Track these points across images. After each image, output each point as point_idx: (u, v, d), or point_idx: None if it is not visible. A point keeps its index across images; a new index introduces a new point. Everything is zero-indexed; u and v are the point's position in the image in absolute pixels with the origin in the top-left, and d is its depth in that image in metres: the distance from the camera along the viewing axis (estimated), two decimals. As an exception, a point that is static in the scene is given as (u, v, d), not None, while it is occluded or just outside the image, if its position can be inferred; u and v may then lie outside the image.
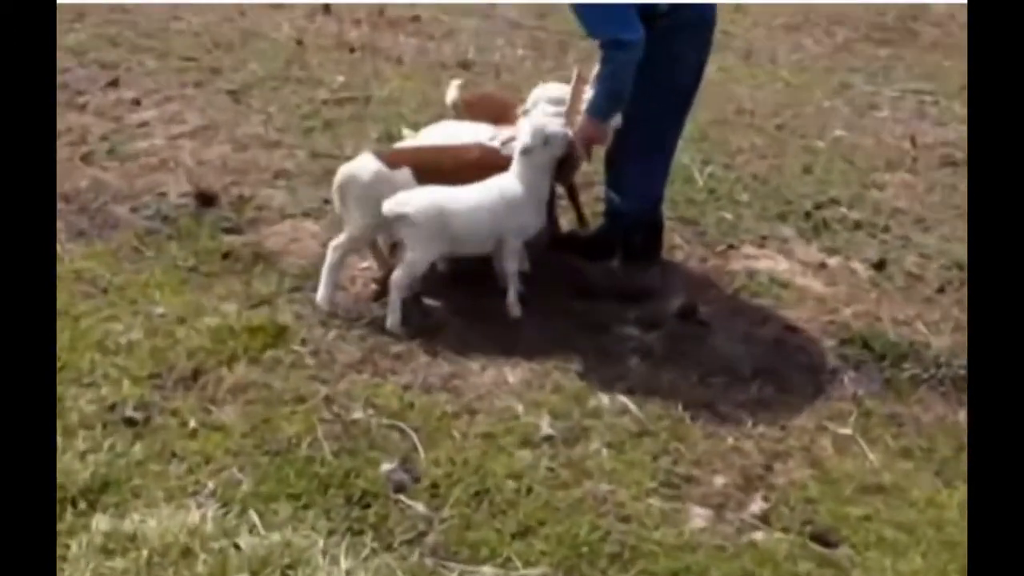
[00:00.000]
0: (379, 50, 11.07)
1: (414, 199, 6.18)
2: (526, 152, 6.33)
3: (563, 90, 6.73)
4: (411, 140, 6.98)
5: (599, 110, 6.41)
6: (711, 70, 7.16)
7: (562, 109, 6.57)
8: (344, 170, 6.43)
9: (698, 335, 6.37)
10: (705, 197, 8.09)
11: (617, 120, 6.57)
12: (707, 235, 7.52)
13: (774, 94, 10.43)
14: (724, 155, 8.86)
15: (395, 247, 6.67)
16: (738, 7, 12.99)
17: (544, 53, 11.26)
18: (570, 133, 6.42)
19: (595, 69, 6.46)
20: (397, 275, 6.28)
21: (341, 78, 10.09)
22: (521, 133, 6.42)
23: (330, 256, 6.46)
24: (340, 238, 6.47)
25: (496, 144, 6.58)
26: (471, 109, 7.29)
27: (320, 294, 6.44)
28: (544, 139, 6.34)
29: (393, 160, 6.41)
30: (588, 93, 6.49)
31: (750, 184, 8.34)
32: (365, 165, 6.38)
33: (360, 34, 11.52)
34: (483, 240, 6.37)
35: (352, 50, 10.98)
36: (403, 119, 8.72)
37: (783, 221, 7.78)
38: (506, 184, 6.37)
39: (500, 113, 7.05)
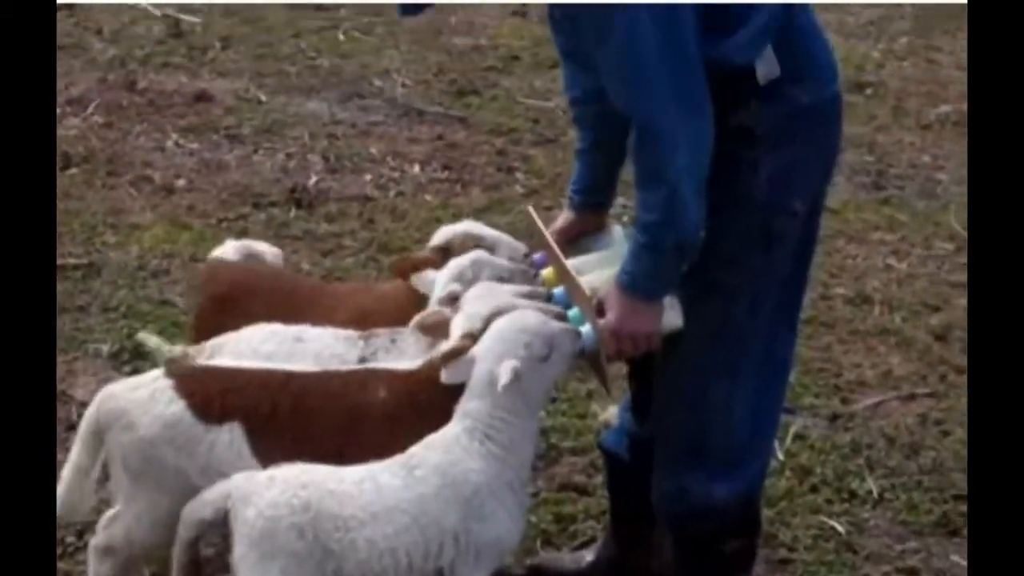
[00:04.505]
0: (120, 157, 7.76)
1: (255, 489, 3.44)
2: (512, 381, 3.51)
3: (511, 247, 4.25)
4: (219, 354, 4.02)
5: (646, 277, 3.59)
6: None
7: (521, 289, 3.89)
8: (105, 399, 3.72)
9: None
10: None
11: (673, 317, 3.70)
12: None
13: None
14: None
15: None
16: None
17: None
18: (587, 331, 3.69)
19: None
20: None
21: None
22: (487, 343, 3.59)
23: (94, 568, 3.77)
24: (105, 533, 3.80)
25: (386, 361, 3.91)
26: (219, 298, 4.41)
27: None
28: (549, 349, 3.59)
29: (206, 398, 3.65)
30: (596, 252, 3.99)
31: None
32: (149, 399, 3.65)
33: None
34: None
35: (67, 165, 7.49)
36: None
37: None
38: (452, 453, 3.58)
39: (279, 298, 4.38)
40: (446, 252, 4.16)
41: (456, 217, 7.04)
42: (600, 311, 3.66)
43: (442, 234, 4.30)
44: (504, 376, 3.52)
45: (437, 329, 3.82)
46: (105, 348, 5.66)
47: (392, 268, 4.23)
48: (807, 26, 3.75)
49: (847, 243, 7.07)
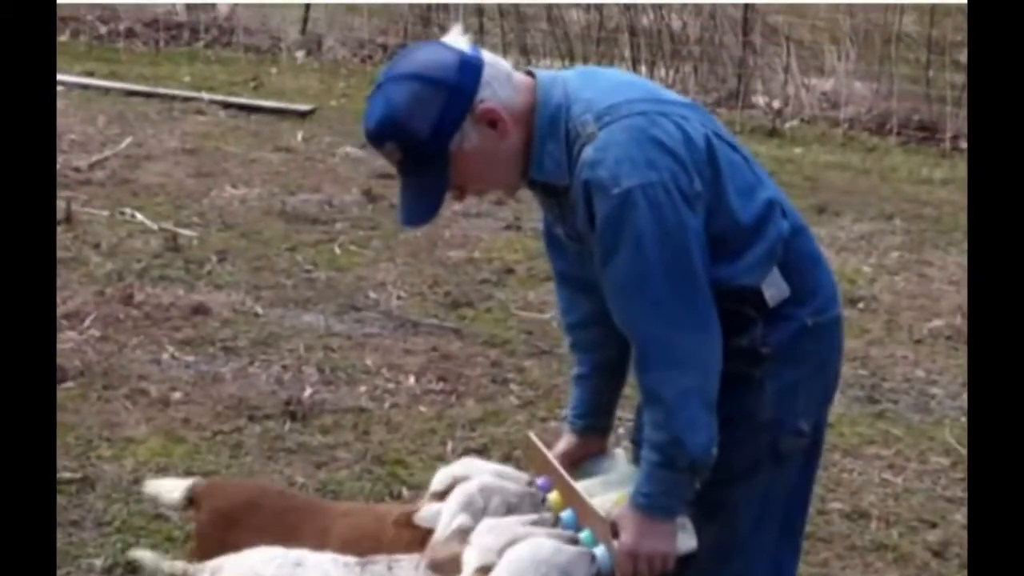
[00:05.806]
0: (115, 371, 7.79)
1: None
2: None
3: (513, 476, 4.10)
4: None
5: (662, 496, 3.62)
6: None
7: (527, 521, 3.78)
8: None
9: None
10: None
11: (687, 539, 3.73)
12: None
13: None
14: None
15: None
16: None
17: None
18: (601, 553, 3.66)
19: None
20: None
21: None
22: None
23: None
24: None
25: None
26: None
27: None
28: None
29: None
30: (602, 475, 4.01)
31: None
32: None
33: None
34: None
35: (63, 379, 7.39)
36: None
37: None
38: None
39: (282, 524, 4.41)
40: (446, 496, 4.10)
41: (451, 428, 7.06)
42: (614, 532, 3.66)
43: (441, 479, 4.20)
44: None
45: (449, 564, 3.79)
46: (99, 563, 5.62)
47: (394, 525, 4.24)
48: (809, 250, 3.82)
49: (842, 457, 7.06)
